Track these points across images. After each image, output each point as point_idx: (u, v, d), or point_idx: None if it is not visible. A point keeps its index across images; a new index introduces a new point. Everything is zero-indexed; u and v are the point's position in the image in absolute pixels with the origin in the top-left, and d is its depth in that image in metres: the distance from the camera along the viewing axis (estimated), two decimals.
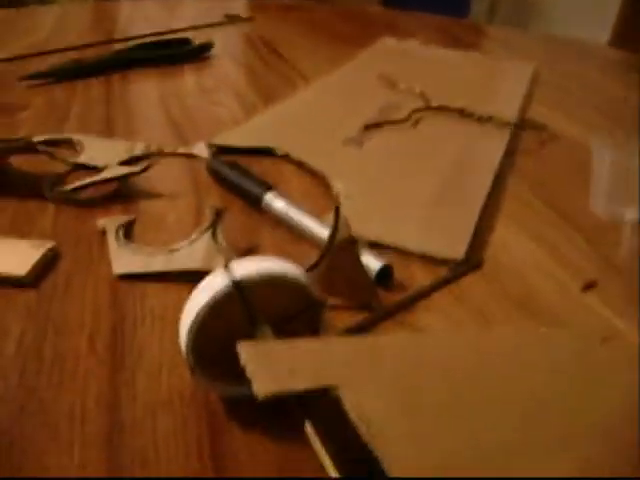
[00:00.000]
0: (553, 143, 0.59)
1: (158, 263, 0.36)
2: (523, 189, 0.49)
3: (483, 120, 0.60)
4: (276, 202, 0.42)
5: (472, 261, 0.39)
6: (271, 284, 0.26)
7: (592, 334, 0.30)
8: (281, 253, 0.30)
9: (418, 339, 0.30)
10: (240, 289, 0.25)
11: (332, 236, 0.32)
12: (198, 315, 0.25)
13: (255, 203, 0.43)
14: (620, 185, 0.44)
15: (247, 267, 0.26)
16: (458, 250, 0.39)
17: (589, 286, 0.37)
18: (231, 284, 0.25)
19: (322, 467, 0.24)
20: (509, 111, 0.63)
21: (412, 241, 0.40)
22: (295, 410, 0.24)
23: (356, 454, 0.22)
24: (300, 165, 0.50)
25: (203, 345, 0.26)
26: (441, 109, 0.62)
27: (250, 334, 0.26)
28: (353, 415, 0.22)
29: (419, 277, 0.37)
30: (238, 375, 0.27)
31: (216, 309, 0.25)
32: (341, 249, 0.32)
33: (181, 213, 0.43)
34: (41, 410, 0.27)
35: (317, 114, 0.61)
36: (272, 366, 0.23)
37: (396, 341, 0.28)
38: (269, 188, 0.43)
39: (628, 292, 0.37)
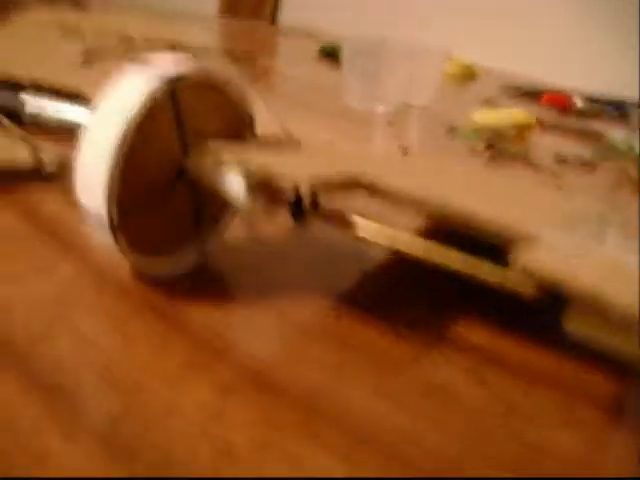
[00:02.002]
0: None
1: None
2: None
3: None
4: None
5: None
6: (206, 89, 0.19)
7: None
8: None
9: None
10: (173, 93, 0.18)
11: None
12: (130, 125, 0.17)
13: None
14: (368, 85, 0.48)
15: (175, 63, 0.19)
16: None
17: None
18: (165, 83, 0.18)
19: None
20: None
21: None
22: None
23: None
24: None
25: (130, 184, 0.18)
26: None
27: (181, 162, 0.19)
28: None
29: None
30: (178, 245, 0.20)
31: (150, 118, 0.18)
32: None
33: None
34: None
35: None
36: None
37: None
38: (22, 88, 0.33)
39: None
